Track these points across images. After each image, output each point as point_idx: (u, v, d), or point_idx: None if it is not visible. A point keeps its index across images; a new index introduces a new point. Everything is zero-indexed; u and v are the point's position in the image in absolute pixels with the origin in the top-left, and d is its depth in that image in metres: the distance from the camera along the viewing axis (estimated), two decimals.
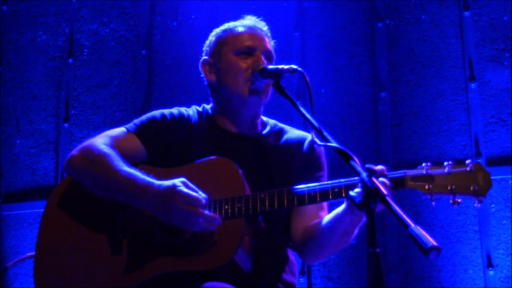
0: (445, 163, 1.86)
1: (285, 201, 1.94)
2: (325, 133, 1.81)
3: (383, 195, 1.50)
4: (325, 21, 3.81)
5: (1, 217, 4.13)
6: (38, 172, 4.17)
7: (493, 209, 3.25)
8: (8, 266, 3.65)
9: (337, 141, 1.76)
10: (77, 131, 4.15)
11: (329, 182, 1.94)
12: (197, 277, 1.89)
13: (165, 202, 1.88)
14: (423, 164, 1.87)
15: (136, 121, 2.20)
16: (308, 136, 2.26)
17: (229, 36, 2.21)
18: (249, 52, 2.16)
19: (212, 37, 2.29)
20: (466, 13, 3.51)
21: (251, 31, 2.21)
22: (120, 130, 2.17)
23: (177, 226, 1.91)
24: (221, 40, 2.22)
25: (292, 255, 2.19)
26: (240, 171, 1.99)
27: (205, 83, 2.29)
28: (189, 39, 4.06)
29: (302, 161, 2.20)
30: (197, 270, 1.90)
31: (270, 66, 2.07)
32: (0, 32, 4.47)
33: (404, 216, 1.43)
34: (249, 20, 2.28)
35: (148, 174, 1.97)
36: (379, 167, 1.81)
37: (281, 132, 2.27)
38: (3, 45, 4.45)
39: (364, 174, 1.57)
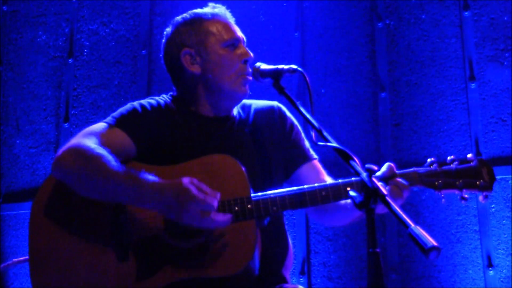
0: (449, 158, 1.92)
1: (299, 202, 1.91)
2: (325, 133, 1.80)
3: (383, 195, 1.49)
4: (325, 21, 3.81)
5: (1, 217, 4.13)
6: (38, 172, 4.17)
7: (493, 209, 3.24)
8: None
9: (337, 141, 1.76)
10: (77, 131, 4.14)
11: (340, 180, 1.93)
12: (209, 284, 1.83)
13: (176, 201, 1.78)
14: (428, 160, 1.93)
15: (115, 114, 2.08)
16: (274, 103, 2.29)
17: (211, 27, 2.15)
18: (235, 43, 2.15)
19: (185, 26, 2.18)
20: (466, 13, 3.51)
21: (228, 21, 2.19)
22: (101, 125, 2.04)
23: (188, 226, 1.81)
24: (203, 31, 2.14)
25: (289, 248, 2.16)
26: (243, 169, 1.92)
27: (167, 70, 2.25)
28: None
29: (278, 127, 2.23)
30: (212, 277, 1.82)
31: (271, 66, 2.05)
32: (0, 32, 4.47)
33: (404, 216, 1.43)
34: (220, 9, 2.22)
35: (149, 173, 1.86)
36: (388, 164, 1.89)
37: (247, 105, 2.27)
38: (3, 45, 4.45)
39: (364, 174, 1.56)
